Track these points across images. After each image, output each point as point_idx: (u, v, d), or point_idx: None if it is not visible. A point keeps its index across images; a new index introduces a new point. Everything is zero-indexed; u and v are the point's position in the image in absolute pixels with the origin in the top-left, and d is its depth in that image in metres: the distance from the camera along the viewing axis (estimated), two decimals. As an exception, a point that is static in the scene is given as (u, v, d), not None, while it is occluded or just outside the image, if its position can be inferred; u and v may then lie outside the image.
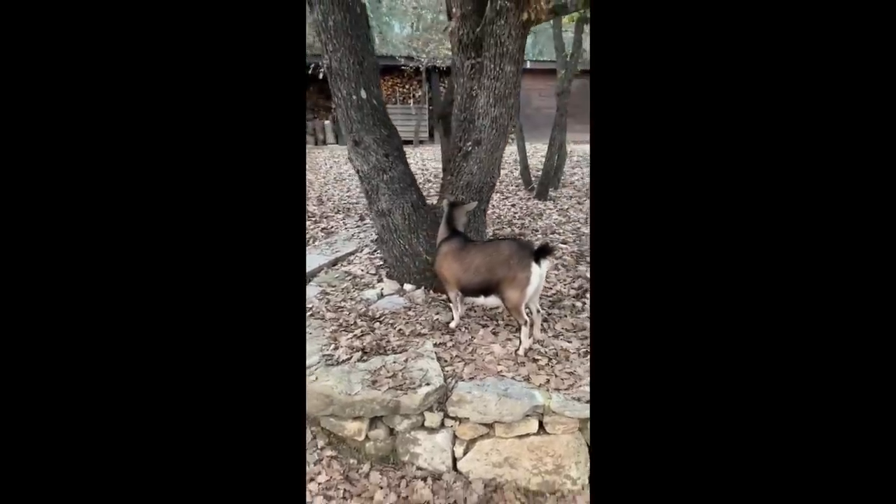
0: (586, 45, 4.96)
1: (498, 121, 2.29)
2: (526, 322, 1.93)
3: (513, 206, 4.51)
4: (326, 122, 10.23)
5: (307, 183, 6.05)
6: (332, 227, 4.10)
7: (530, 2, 1.93)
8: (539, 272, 1.87)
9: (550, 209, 4.39)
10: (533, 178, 5.28)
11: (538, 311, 2.08)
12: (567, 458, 1.71)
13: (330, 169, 7.17)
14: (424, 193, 2.87)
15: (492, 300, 2.00)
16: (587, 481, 1.72)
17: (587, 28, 4.53)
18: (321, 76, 2.44)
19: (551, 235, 3.58)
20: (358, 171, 2.57)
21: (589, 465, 1.74)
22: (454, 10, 2.25)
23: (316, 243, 3.62)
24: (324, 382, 1.84)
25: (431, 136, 10.71)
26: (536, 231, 3.71)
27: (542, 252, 1.85)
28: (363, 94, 2.40)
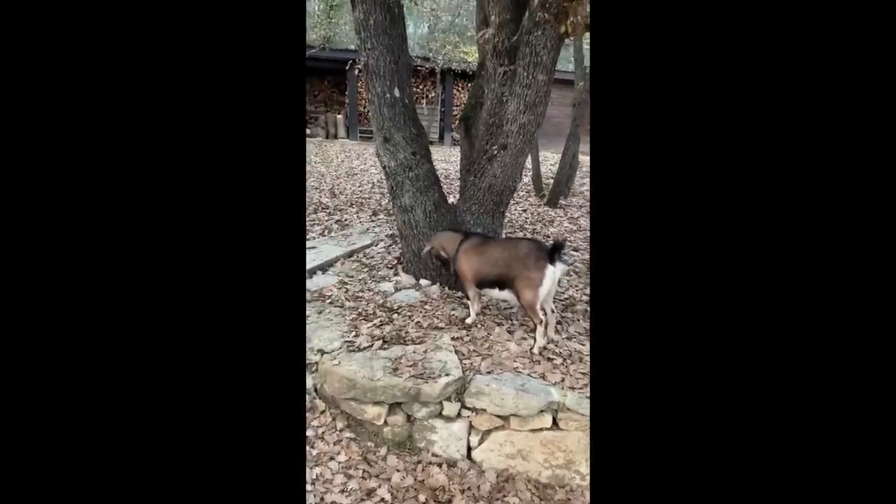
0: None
1: (525, 127, 2.37)
2: (541, 321, 2.01)
3: (524, 211, 4.60)
4: (339, 117, 10.30)
5: (320, 175, 6.12)
6: (346, 219, 4.17)
7: (568, 15, 2.01)
8: (553, 274, 1.95)
9: (561, 217, 4.47)
10: (543, 186, 5.37)
11: (553, 312, 2.16)
12: (578, 454, 1.79)
13: (341, 163, 7.24)
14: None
15: (506, 294, 2.08)
16: (595, 477, 1.80)
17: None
18: (357, 72, 2.51)
19: (562, 242, 3.67)
20: (385, 167, 2.64)
21: (597, 462, 1.81)
22: (492, 17, 2.34)
23: (332, 234, 3.69)
24: (347, 367, 1.91)
25: (441, 137, 10.79)
26: (548, 237, 3.80)
27: (556, 250, 1.93)
28: (397, 92, 2.48)
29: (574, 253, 3.41)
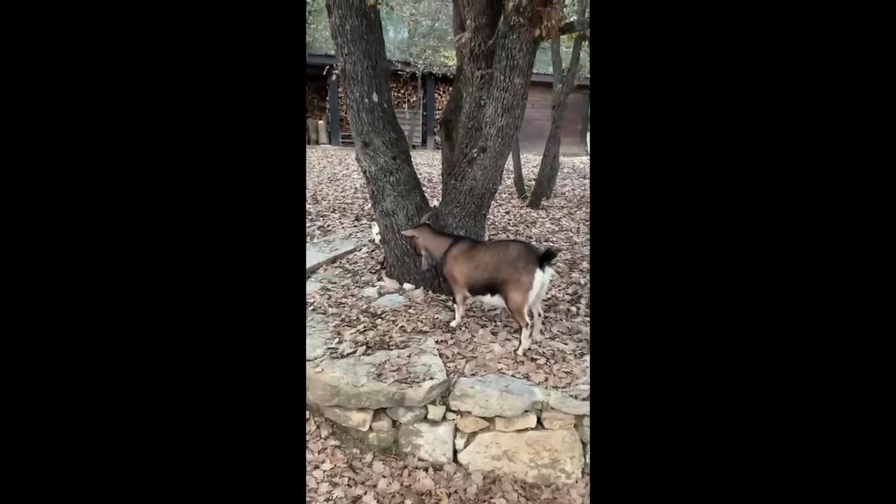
0: (582, 61, 5.14)
1: (504, 130, 2.39)
2: (527, 325, 2.02)
3: (507, 213, 4.63)
4: (320, 122, 10.24)
5: (302, 181, 6.07)
6: (328, 225, 4.14)
7: (542, 19, 2.04)
8: (541, 278, 1.96)
9: (543, 218, 4.51)
10: (525, 188, 5.41)
11: (539, 315, 2.17)
12: (563, 453, 1.80)
13: (323, 169, 7.20)
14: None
15: (497, 300, 2.08)
16: (581, 475, 1.81)
17: (585, 45, 4.70)
18: (335, 77, 2.51)
19: (545, 243, 3.70)
20: (365, 172, 2.64)
21: (582, 459, 1.83)
22: (468, 21, 2.35)
23: (314, 240, 3.67)
24: (330, 374, 1.89)
25: (424, 141, 10.81)
26: (530, 238, 3.83)
27: (547, 257, 1.95)
28: (375, 97, 2.48)
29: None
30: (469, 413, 1.82)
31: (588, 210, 4.81)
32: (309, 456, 1.79)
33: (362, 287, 2.76)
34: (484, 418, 1.82)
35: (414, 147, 10.36)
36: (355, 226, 4.10)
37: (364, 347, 2.08)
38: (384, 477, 1.75)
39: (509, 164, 5.84)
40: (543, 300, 2.58)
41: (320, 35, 9.79)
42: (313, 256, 3.20)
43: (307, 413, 1.96)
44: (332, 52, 2.49)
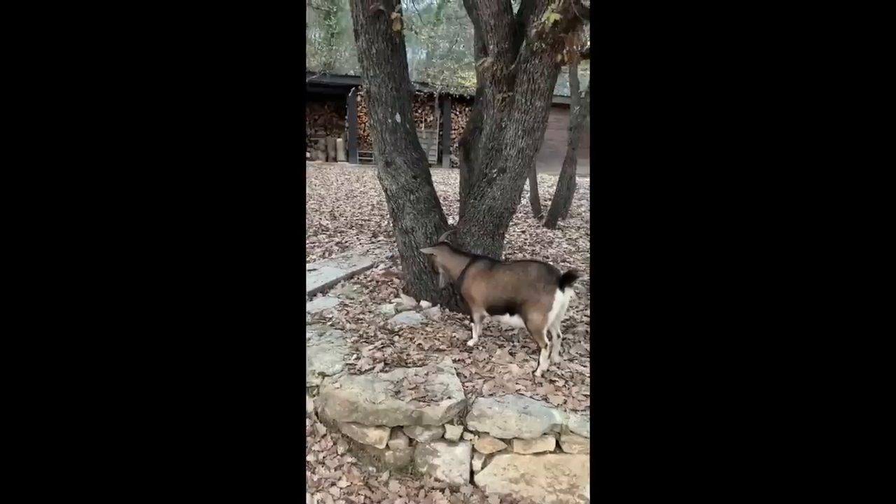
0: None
1: (524, 151, 2.42)
2: (546, 346, 2.01)
3: (523, 232, 4.63)
4: (339, 140, 10.44)
5: (320, 198, 6.17)
6: (346, 241, 4.19)
7: (564, 45, 2.08)
8: (562, 299, 1.96)
9: (559, 238, 4.51)
10: (541, 208, 5.42)
11: (558, 336, 2.16)
12: (582, 478, 1.77)
13: (341, 185, 7.32)
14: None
15: (516, 320, 2.08)
16: (600, 502, 1.77)
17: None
18: (359, 98, 2.58)
19: (561, 263, 3.69)
20: (386, 191, 2.68)
21: (602, 486, 1.79)
22: (490, 46, 2.41)
23: (332, 256, 3.71)
24: (348, 390, 1.90)
25: (440, 160, 10.94)
26: (547, 258, 3.82)
27: (568, 279, 1.94)
28: (398, 118, 2.54)
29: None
30: (487, 434, 1.81)
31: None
32: (325, 472, 1.78)
33: (379, 303, 2.78)
34: (502, 440, 1.80)
35: (430, 166, 10.49)
36: (372, 242, 4.14)
37: (382, 364, 2.08)
38: (400, 497, 1.73)
39: (526, 184, 5.86)
40: (562, 322, 2.57)
41: (342, 57, 10.08)
42: (331, 272, 3.23)
43: (324, 429, 1.96)
44: (353, 74, 2.58)
